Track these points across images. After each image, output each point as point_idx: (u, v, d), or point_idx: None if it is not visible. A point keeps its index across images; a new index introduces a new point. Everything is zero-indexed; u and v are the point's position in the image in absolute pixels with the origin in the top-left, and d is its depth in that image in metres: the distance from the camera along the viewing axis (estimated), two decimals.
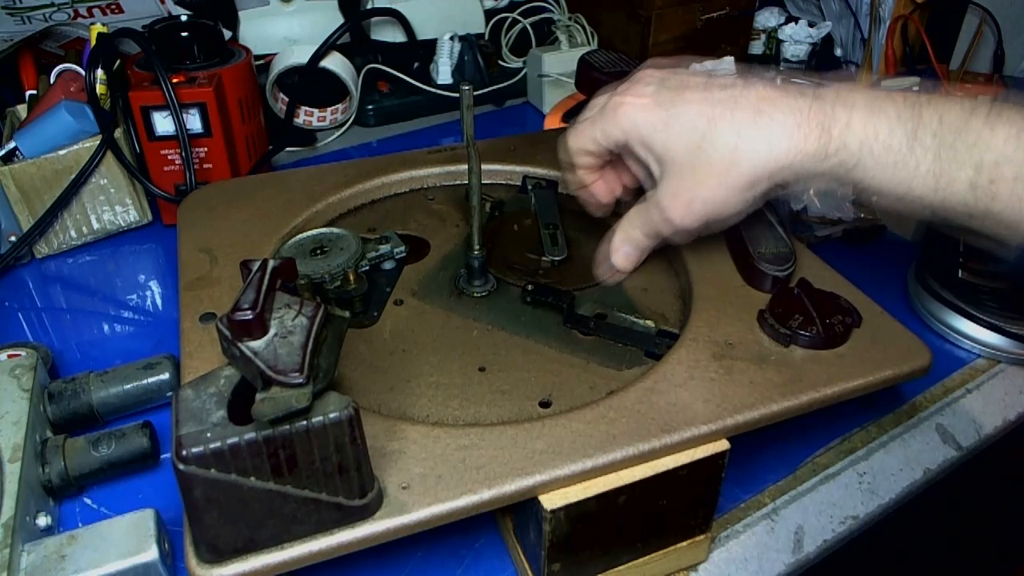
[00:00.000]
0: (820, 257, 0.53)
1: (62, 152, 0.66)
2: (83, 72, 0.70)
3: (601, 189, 0.54)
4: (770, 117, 0.42)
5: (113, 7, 0.76)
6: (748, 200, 0.45)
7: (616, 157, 0.53)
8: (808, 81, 0.46)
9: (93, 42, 0.69)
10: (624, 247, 0.51)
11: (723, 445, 0.40)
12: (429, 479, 0.37)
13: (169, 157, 0.68)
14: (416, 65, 0.96)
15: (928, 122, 0.40)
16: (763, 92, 0.43)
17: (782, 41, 0.99)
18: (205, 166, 0.69)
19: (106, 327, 0.62)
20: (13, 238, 0.67)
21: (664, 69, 0.48)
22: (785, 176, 0.43)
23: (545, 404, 0.44)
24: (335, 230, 0.54)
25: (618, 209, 0.53)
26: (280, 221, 0.57)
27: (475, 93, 0.60)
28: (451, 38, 0.95)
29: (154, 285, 0.67)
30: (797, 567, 0.46)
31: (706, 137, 0.43)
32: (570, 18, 1.02)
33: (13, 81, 0.77)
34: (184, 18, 0.71)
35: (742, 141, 0.42)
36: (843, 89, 0.43)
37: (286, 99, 0.89)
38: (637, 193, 0.51)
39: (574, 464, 0.37)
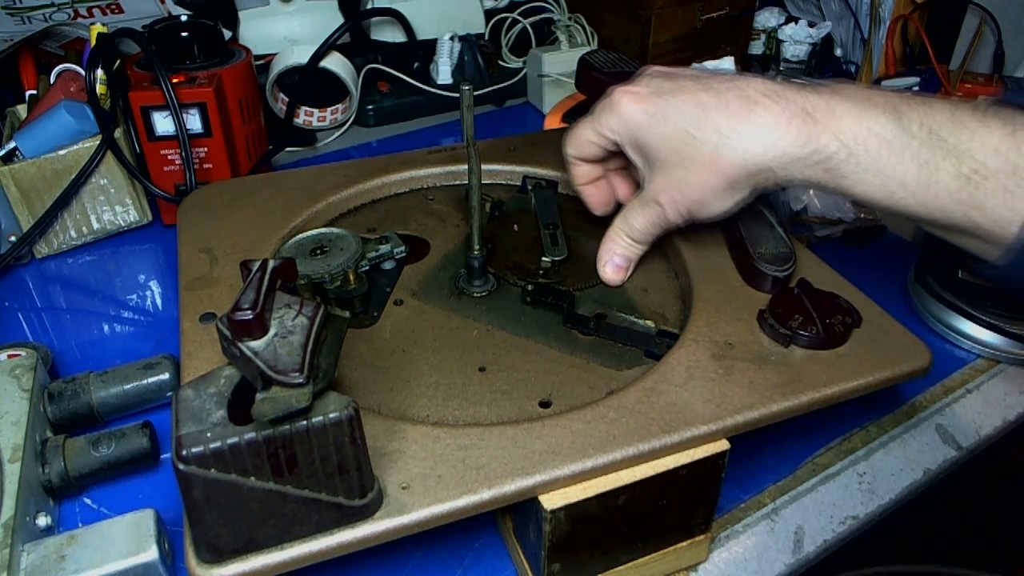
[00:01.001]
0: (820, 257, 0.53)
1: (62, 152, 0.66)
2: (83, 72, 0.70)
3: (603, 190, 0.55)
4: (760, 105, 0.43)
5: (113, 7, 0.76)
6: (733, 200, 0.46)
7: (621, 166, 0.54)
8: (806, 80, 0.47)
9: (93, 42, 0.69)
10: (613, 258, 0.52)
11: (723, 445, 0.40)
12: (429, 479, 0.37)
13: (169, 157, 0.68)
14: (416, 65, 0.96)
15: (918, 113, 0.41)
16: (756, 84, 0.44)
17: (782, 41, 0.99)
18: (205, 166, 0.69)
19: (106, 327, 0.62)
20: (13, 238, 0.67)
21: (666, 68, 0.49)
22: (770, 167, 0.43)
23: (545, 404, 0.44)
24: (335, 230, 0.54)
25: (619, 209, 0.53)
26: (280, 221, 0.57)
27: (475, 93, 0.60)
28: (451, 38, 0.95)
29: (154, 285, 0.67)
30: (797, 567, 0.46)
31: (696, 123, 0.44)
32: (570, 18, 1.02)
33: (13, 81, 0.77)
34: (184, 18, 0.71)
35: (729, 128, 0.43)
36: (835, 85, 0.44)
37: (286, 99, 0.89)
38: None
39: (574, 464, 0.37)
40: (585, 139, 0.50)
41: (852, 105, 0.42)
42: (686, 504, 0.41)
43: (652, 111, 0.46)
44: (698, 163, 0.45)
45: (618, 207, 0.53)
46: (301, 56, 0.85)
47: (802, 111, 0.42)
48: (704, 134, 0.44)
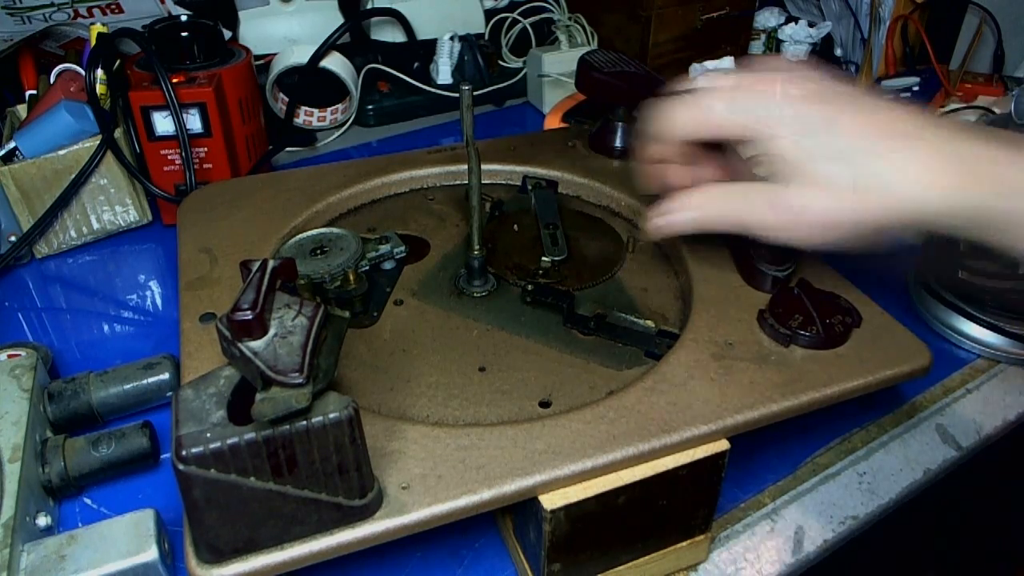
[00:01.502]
0: (820, 257, 0.53)
1: (62, 152, 0.66)
2: (83, 72, 0.70)
3: (665, 171, 0.49)
4: (918, 139, 0.40)
5: (113, 7, 0.76)
6: (848, 238, 0.42)
7: (708, 155, 0.48)
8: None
9: (93, 42, 0.69)
10: (676, 216, 0.46)
11: (723, 445, 0.40)
12: (429, 479, 0.37)
13: (169, 157, 0.68)
14: (416, 65, 0.96)
15: None
16: (913, 119, 0.40)
17: (782, 41, 0.99)
18: (205, 166, 0.69)
19: (106, 327, 0.62)
20: (13, 238, 0.67)
21: (812, 72, 0.44)
22: (920, 213, 0.40)
23: (545, 404, 0.44)
24: (335, 230, 0.54)
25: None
26: (280, 221, 0.57)
27: (475, 93, 0.60)
28: (451, 38, 0.95)
29: (154, 285, 0.67)
30: (797, 567, 0.46)
31: (858, 151, 0.40)
32: (570, 18, 1.02)
33: (13, 81, 0.77)
34: (184, 18, 0.71)
35: (888, 165, 0.40)
36: (985, 128, 0.40)
37: (286, 99, 0.89)
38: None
39: (574, 464, 0.37)
40: (699, 118, 0.44)
41: (1007, 152, 0.38)
42: (686, 504, 0.41)
43: (814, 118, 0.41)
44: (841, 188, 0.40)
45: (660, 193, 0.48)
46: (301, 56, 0.85)
47: (955, 154, 0.39)
48: (861, 168, 0.40)
